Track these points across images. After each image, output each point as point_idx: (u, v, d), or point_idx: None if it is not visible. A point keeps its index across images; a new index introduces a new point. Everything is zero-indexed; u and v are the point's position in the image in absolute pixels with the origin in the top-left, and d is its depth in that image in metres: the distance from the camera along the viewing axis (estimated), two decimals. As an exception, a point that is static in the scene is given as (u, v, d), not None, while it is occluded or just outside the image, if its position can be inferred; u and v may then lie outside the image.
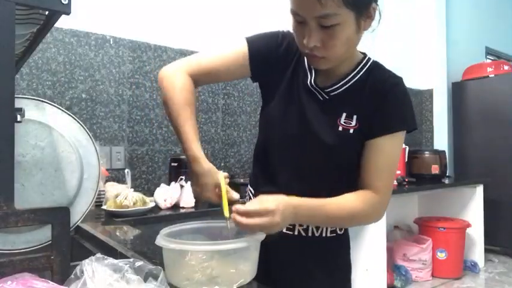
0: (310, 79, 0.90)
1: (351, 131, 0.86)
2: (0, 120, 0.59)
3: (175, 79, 0.89)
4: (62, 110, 1.20)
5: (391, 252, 2.91)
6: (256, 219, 0.72)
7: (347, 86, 0.88)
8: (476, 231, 3.26)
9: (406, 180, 2.93)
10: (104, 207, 1.65)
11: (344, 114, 0.87)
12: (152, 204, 1.69)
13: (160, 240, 0.71)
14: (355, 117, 0.87)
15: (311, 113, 0.89)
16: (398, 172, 2.95)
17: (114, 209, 1.58)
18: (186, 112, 0.86)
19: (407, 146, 3.11)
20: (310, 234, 0.94)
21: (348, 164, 0.90)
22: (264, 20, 2.81)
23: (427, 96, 3.94)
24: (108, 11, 2.12)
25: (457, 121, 4.05)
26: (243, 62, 0.93)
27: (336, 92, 0.89)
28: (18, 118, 0.80)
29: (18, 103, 1.04)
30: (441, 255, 3.02)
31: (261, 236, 0.75)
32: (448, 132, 3.98)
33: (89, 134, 1.24)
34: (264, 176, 0.98)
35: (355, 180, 0.88)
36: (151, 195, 1.80)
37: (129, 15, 2.19)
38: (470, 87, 3.99)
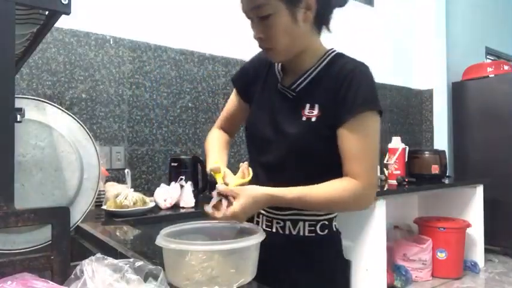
0: (279, 81, 0.98)
1: (313, 119, 0.89)
2: (0, 120, 0.59)
3: (209, 133, 1.15)
4: (62, 110, 1.20)
5: (391, 252, 2.90)
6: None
7: (309, 79, 0.93)
8: (476, 231, 3.26)
9: (406, 180, 2.93)
10: (104, 207, 1.65)
11: (308, 105, 0.90)
12: (152, 204, 1.69)
13: (161, 240, 0.71)
14: (317, 106, 0.90)
15: (281, 113, 0.94)
16: (398, 170, 2.95)
17: (114, 209, 1.58)
18: (210, 146, 1.06)
19: (407, 146, 3.10)
20: (287, 232, 0.95)
21: (319, 156, 0.91)
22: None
23: (427, 96, 3.94)
24: (108, 11, 2.12)
25: (457, 121, 4.05)
26: (240, 101, 1.10)
27: (300, 87, 0.93)
28: (18, 118, 0.80)
29: (18, 103, 1.04)
30: (441, 255, 3.01)
31: (261, 236, 0.75)
32: (448, 132, 3.98)
33: (89, 134, 1.24)
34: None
35: (332, 175, 0.88)
36: (151, 195, 1.80)
37: (129, 15, 2.19)
38: (470, 87, 3.99)
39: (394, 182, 2.91)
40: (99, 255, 0.59)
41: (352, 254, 2.53)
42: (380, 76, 3.53)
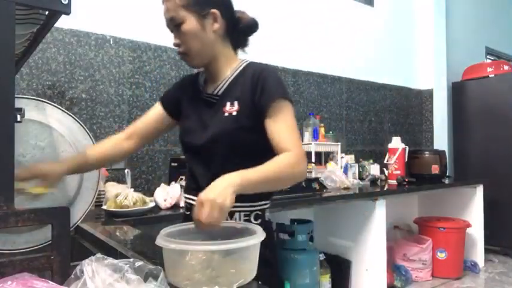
0: (203, 91, 1.13)
1: (234, 113, 1.03)
2: (0, 120, 0.59)
3: None
4: (62, 110, 1.20)
5: (391, 252, 2.90)
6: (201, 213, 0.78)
7: (227, 83, 1.08)
8: (476, 231, 3.25)
9: (406, 180, 2.93)
10: (104, 207, 1.65)
11: (228, 103, 1.05)
12: (152, 204, 1.69)
13: (161, 240, 0.71)
14: (236, 102, 1.04)
15: (208, 116, 1.08)
16: (398, 170, 2.96)
17: (114, 209, 1.58)
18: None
19: (407, 146, 3.10)
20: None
21: (244, 145, 1.03)
22: (262, 20, 2.81)
23: (427, 96, 3.94)
24: (108, 11, 2.12)
25: (457, 121, 4.04)
26: (160, 114, 1.21)
27: (221, 91, 1.09)
28: (18, 118, 0.80)
29: (18, 103, 1.04)
30: (441, 255, 3.01)
31: (261, 236, 0.75)
32: (448, 132, 3.98)
33: (89, 134, 1.24)
34: (189, 181, 1.15)
35: (260, 163, 0.95)
36: (151, 195, 1.79)
37: (129, 15, 2.19)
38: (470, 87, 3.99)
39: (394, 182, 2.91)
40: (99, 255, 0.59)
41: (352, 254, 2.53)
42: (380, 76, 3.55)
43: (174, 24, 1.05)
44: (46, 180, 0.99)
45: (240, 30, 1.12)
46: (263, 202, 1.08)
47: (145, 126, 1.22)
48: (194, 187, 1.09)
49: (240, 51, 1.17)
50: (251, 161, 0.95)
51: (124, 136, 1.20)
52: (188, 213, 1.14)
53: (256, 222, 1.05)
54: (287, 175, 0.95)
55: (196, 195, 1.02)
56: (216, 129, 1.03)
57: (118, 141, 1.20)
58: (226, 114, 1.04)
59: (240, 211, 1.04)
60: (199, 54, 1.07)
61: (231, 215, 1.03)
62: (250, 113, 1.02)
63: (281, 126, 0.99)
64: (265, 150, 0.99)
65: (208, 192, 0.79)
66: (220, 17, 1.05)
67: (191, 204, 1.10)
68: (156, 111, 1.22)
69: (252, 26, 1.13)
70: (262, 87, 1.02)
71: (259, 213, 1.07)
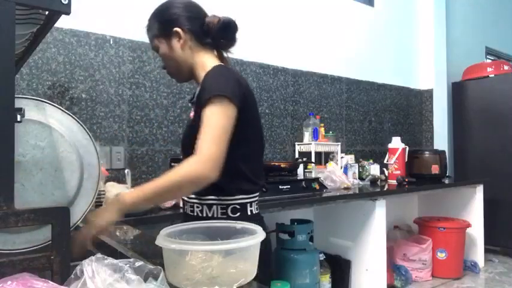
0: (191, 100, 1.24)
1: (191, 118, 1.14)
2: (0, 120, 0.59)
3: None
4: (62, 110, 1.19)
5: (391, 252, 2.90)
6: None
7: (198, 89, 1.14)
8: (476, 231, 3.26)
9: (406, 180, 2.93)
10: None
11: (192, 108, 1.15)
12: (152, 204, 1.69)
13: (161, 240, 0.71)
14: (193, 107, 1.14)
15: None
16: (398, 170, 2.95)
17: (114, 209, 1.58)
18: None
19: (407, 146, 3.10)
20: (204, 215, 1.09)
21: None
22: (262, 20, 2.81)
23: (427, 96, 3.94)
24: (108, 11, 2.12)
25: (457, 121, 4.05)
26: None
27: (195, 97, 1.17)
28: (18, 118, 0.79)
29: (18, 103, 1.04)
30: (441, 255, 3.02)
31: (261, 236, 0.75)
32: (448, 132, 3.98)
33: (89, 134, 1.24)
34: None
35: None
36: (151, 195, 1.79)
37: (129, 15, 2.19)
38: (470, 87, 3.99)
39: (394, 182, 2.91)
40: (99, 255, 0.59)
41: (352, 254, 2.53)
42: (380, 76, 3.55)
43: (157, 52, 1.18)
44: None
45: (213, 35, 1.14)
46: (241, 196, 1.07)
47: None
48: None
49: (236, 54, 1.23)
50: None
51: None
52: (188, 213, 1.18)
53: (234, 215, 1.06)
54: (178, 184, 0.95)
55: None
56: (182, 136, 1.21)
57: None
58: (189, 120, 1.13)
59: (217, 204, 1.07)
60: (179, 71, 1.18)
61: (210, 207, 1.08)
62: (200, 114, 1.02)
63: (202, 127, 0.98)
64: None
65: (93, 213, 0.92)
66: (183, 32, 1.12)
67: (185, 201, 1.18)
68: None
69: (224, 27, 1.14)
70: (202, 86, 1.05)
71: (238, 207, 1.07)
